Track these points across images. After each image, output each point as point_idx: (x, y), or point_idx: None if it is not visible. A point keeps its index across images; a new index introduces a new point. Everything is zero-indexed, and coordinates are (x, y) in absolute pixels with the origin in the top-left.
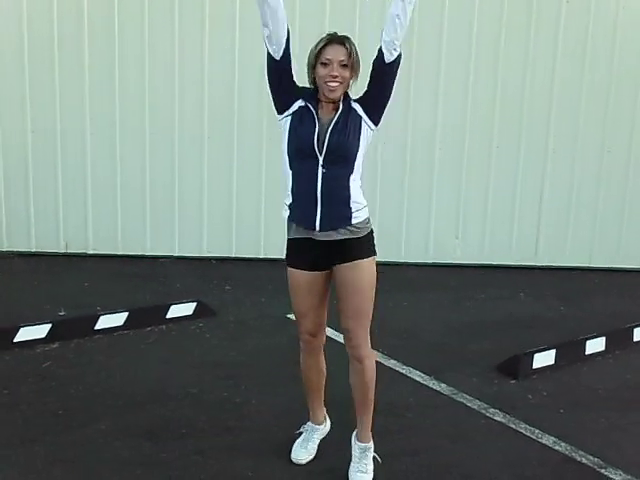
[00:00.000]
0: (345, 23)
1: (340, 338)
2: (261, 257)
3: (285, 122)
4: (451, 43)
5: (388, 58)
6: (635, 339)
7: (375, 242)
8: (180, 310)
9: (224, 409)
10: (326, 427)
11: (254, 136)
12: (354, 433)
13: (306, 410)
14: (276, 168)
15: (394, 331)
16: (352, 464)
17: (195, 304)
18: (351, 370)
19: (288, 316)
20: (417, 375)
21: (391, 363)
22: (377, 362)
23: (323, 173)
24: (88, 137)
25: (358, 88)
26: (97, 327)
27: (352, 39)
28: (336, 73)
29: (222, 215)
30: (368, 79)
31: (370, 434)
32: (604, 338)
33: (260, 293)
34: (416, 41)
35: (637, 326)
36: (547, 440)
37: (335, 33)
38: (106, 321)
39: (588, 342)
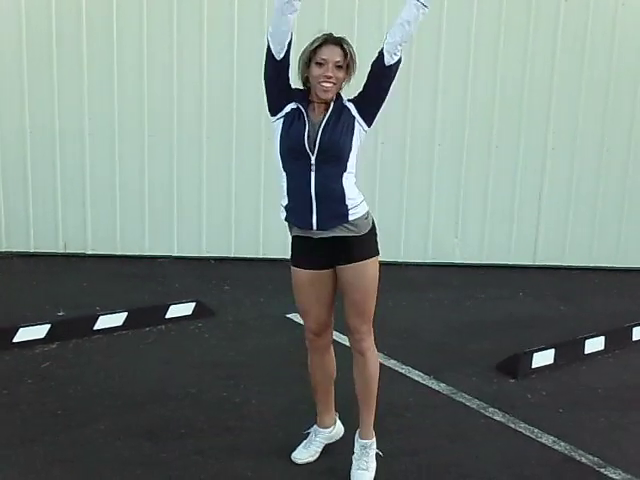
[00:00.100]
0: (344, 24)
1: (343, 340)
2: (260, 257)
3: (277, 124)
4: (450, 41)
5: (388, 61)
6: (634, 338)
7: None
8: (179, 310)
9: (224, 409)
10: (333, 432)
11: (253, 136)
12: (357, 431)
13: (306, 410)
14: (274, 168)
15: (393, 331)
16: (354, 462)
17: (194, 304)
18: (354, 364)
19: (288, 316)
20: (416, 375)
21: (390, 363)
22: None
23: (316, 172)
24: (87, 137)
25: (352, 89)
26: (96, 327)
27: (348, 40)
28: (331, 74)
29: (221, 215)
30: (365, 80)
31: (372, 431)
32: (603, 337)
33: (259, 293)
34: (415, 40)
35: (636, 325)
36: (546, 439)
37: (331, 34)
38: (105, 321)
39: (587, 341)
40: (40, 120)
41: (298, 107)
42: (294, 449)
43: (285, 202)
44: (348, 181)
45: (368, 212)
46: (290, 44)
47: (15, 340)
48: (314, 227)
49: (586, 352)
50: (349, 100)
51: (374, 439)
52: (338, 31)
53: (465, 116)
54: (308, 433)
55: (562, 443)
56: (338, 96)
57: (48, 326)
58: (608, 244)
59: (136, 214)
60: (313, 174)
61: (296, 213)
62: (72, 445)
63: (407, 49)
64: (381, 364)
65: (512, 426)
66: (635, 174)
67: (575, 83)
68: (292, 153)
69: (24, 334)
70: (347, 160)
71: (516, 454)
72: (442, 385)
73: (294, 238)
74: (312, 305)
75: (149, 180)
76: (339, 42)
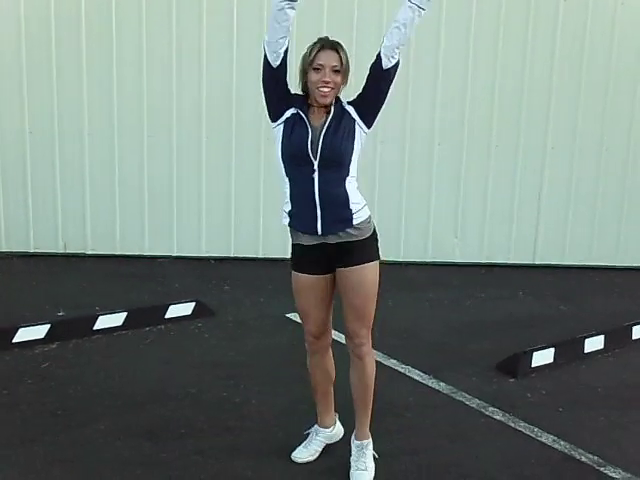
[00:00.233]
0: (343, 26)
1: (342, 339)
2: (260, 257)
3: (278, 130)
4: (449, 41)
5: (386, 64)
6: (634, 337)
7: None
8: (179, 310)
9: (224, 409)
10: (333, 432)
11: (252, 136)
12: (353, 433)
13: (306, 410)
14: (274, 168)
15: (393, 331)
16: (352, 463)
17: (194, 304)
18: (352, 368)
19: (287, 316)
20: (416, 374)
21: (390, 362)
22: (376, 362)
23: (319, 178)
24: (86, 138)
25: (352, 91)
26: (96, 327)
27: (343, 45)
28: (328, 79)
29: (220, 215)
30: (364, 82)
31: (368, 432)
32: (603, 336)
33: (259, 293)
34: (414, 40)
35: (636, 324)
36: (546, 439)
37: (326, 37)
38: (105, 321)
39: (587, 340)
40: (39, 121)
41: (298, 112)
42: (294, 449)
43: (288, 208)
44: (351, 185)
45: (370, 216)
46: (287, 52)
47: (15, 340)
48: (319, 232)
49: (586, 351)
50: (348, 103)
51: (370, 439)
52: (337, 34)
53: (464, 116)
54: (308, 433)
55: (562, 442)
56: (337, 100)
57: (48, 326)
58: (608, 243)
59: (136, 214)
60: (316, 180)
61: (300, 219)
62: (72, 445)
63: (406, 49)
64: (381, 364)
65: (512, 425)
66: (634, 174)
67: (574, 83)
68: (295, 159)
69: (24, 334)
70: (349, 164)
71: (516, 453)
72: (442, 385)
73: (296, 245)
74: (312, 308)
75: (148, 180)
76: (335, 47)
